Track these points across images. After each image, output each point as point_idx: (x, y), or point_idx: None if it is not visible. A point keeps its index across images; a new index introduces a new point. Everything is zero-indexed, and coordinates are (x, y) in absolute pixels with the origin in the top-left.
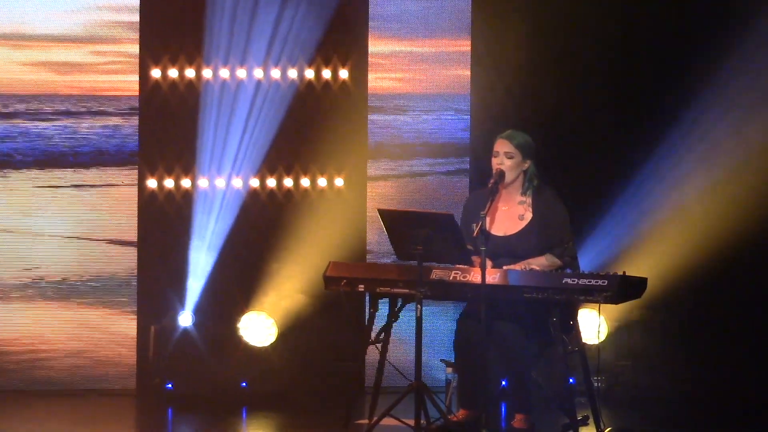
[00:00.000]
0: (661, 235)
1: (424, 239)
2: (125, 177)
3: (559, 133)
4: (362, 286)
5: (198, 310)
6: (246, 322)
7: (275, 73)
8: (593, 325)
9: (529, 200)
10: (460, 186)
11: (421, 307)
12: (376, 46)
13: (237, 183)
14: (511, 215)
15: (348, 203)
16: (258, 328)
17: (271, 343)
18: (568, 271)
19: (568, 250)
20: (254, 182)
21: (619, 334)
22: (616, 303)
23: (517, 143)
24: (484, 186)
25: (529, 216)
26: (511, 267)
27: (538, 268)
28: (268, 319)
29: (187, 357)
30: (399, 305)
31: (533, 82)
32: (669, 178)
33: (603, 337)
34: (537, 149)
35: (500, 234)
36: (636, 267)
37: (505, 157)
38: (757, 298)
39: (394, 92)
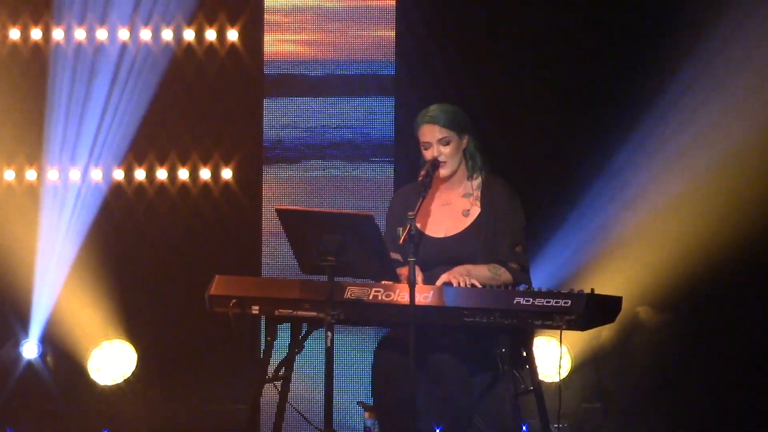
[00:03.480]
0: (632, 246)
1: (336, 247)
2: None
3: (511, 122)
4: (257, 307)
5: (46, 339)
6: (103, 353)
7: (145, 34)
8: (553, 357)
9: (477, 192)
10: (383, 182)
11: (333, 335)
12: (273, 0)
13: (96, 175)
14: (453, 212)
15: (238, 201)
16: (119, 361)
17: (128, 380)
18: (521, 287)
19: (518, 257)
20: (118, 174)
21: (585, 369)
22: (583, 329)
23: (447, 121)
24: (415, 179)
25: (476, 211)
26: (446, 278)
27: (478, 284)
28: (132, 350)
29: (32, 397)
30: (304, 332)
31: (480, 53)
32: (639, 180)
33: (565, 372)
34: (471, 119)
35: (438, 235)
36: (603, 285)
37: (440, 146)
38: (746, 321)
39: (296, 59)
